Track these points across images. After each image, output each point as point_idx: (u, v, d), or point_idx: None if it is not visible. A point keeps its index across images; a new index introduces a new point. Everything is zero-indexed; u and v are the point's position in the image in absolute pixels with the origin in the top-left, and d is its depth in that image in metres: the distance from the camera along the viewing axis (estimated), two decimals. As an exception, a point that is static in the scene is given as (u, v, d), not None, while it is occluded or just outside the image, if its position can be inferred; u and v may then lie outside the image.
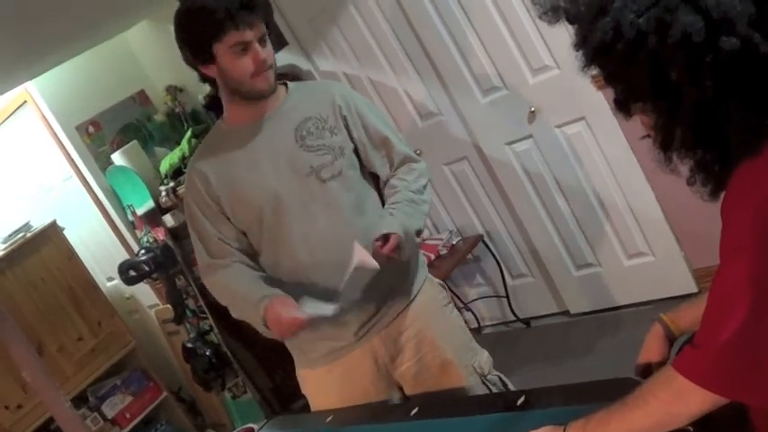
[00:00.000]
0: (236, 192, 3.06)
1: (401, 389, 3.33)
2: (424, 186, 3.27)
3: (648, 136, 1.82)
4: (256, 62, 2.94)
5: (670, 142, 1.71)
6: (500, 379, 3.35)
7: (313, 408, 3.39)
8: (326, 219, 3.09)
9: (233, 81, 2.99)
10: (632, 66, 1.63)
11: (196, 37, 2.94)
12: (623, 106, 1.75)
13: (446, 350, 3.26)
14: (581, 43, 1.75)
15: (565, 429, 2.06)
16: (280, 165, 3.06)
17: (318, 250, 3.08)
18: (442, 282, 3.52)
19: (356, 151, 3.22)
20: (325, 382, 3.28)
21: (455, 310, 3.48)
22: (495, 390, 3.29)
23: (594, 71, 1.75)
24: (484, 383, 3.29)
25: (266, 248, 3.15)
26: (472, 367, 3.30)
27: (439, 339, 3.25)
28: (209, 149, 3.15)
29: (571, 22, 1.79)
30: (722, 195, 1.72)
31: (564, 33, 4.63)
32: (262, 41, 2.97)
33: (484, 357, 3.38)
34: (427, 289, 3.36)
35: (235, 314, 3.20)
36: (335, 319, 3.04)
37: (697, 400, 1.72)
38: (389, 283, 3.20)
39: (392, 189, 3.24)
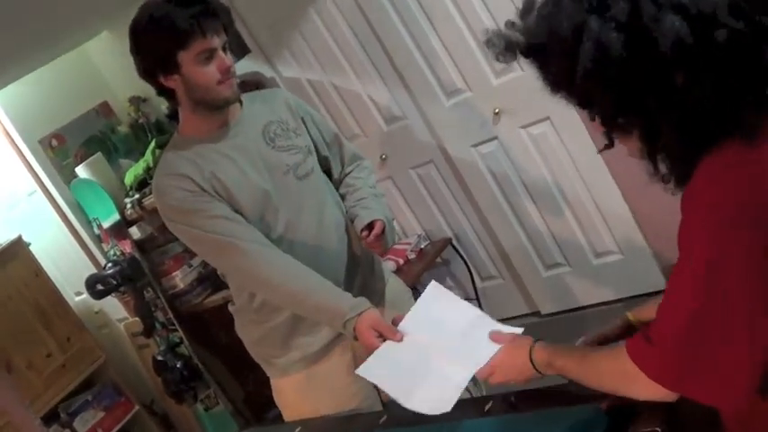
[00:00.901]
0: (225, 190, 2.99)
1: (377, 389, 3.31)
2: (374, 181, 3.39)
3: (609, 147, 1.81)
4: (222, 69, 2.91)
5: (658, 148, 1.71)
6: None
7: (289, 417, 3.36)
8: (309, 215, 3.12)
9: (198, 89, 2.94)
10: (627, 85, 1.62)
11: (160, 45, 2.87)
12: (614, 126, 1.73)
13: None
14: (562, 80, 1.72)
15: (531, 349, 2.21)
16: (258, 166, 3.04)
17: (305, 245, 3.09)
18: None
19: (318, 152, 3.28)
20: (302, 389, 3.27)
21: None
22: None
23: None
24: None
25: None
26: None
27: None
28: (178, 158, 3.03)
29: (527, 55, 1.77)
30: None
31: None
32: (224, 49, 2.94)
33: None
34: (393, 284, 3.45)
35: (295, 309, 3.09)
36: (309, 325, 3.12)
37: (643, 387, 1.79)
38: (362, 279, 3.26)
39: (350, 187, 3.31)
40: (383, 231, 3.08)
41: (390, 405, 3.26)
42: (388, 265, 5.33)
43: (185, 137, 3.09)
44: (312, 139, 3.25)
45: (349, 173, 3.37)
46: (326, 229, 3.15)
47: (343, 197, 3.31)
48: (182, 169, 2.98)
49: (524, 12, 1.79)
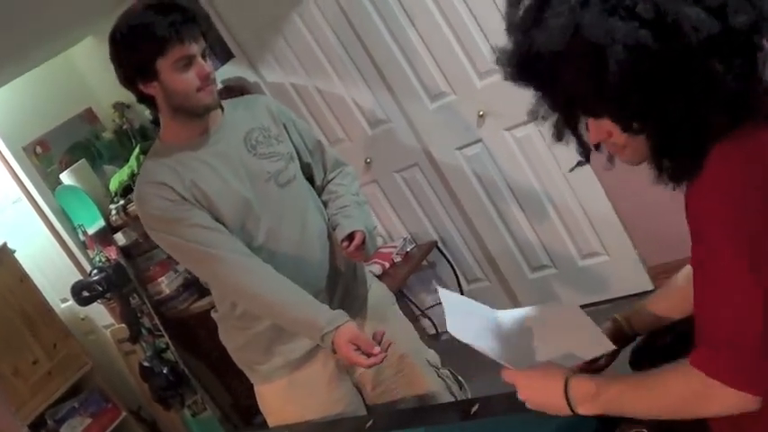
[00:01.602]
0: (206, 199, 2.98)
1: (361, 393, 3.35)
2: (359, 187, 3.39)
3: (595, 148, 1.80)
4: (201, 76, 2.90)
5: (669, 146, 1.71)
6: (450, 372, 3.42)
7: (273, 423, 3.36)
8: (291, 222, 3.11)
9: (178, 97, 2.93)
10: (663, 80, 1.61)
11: (138, 53, 2.86)
12: (631, 127, 1.72)
13: (400, 345, 3.29)
14: (565, 86, 1.71)
15: (567, 381, 1.98)
16: (240, 174, 3.04)
17: (287, 253, 3.09)
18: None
19: (300, 158, 3.27)
20: (285, 395, 3.26)
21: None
22: (449, 382, 3.36)
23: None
24: (439, 377, 3.36)
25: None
26: (426, 360, 3.37)
27: (393, 336, 3.27)
28: (159, 166, 3.03)
29: (536, 69, 1.74)
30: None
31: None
32: (203, 56, 2.93)
33: (432, 353, 3.45)
34: (376, 289, 3.44)
35: (276, 319, 3.07)
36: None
37: (723, 400, 1.69)
38: (344, 285, 3.25)
39: (333, 194, 3.31)
40: (363, 242, 3.09)
41: (374, 409, 3.27)
42: (375, 269, 5.34)
43: (166, 144, 3.09)
44: (294, 146, 3.24)
45: (332, 179, 3.36)
46: (309, 236, 3.15)
47: (325, 204, 3.31)
48: (162, 177, 2.98)
49: (510, 26, 1.78)
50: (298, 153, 3.25)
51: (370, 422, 2.82)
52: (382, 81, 5.34)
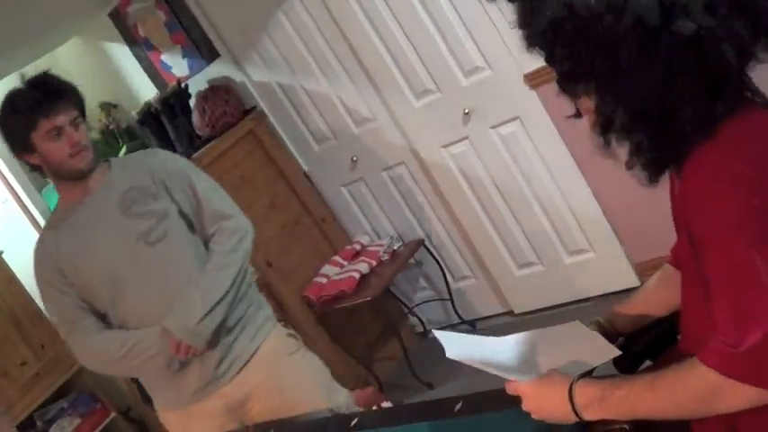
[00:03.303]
0: (76, 269, 3.25)
1: None
2: (239, 241, 3.39)
3: (577, 116, 1.82)
4: (71, 144, 3.19)
5: (610, 125, 1.71)
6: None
7: None
8: (164, 280, 3.27)
9: (54, 164, 3.23)
10: (582, 46, 1.64)
11: (14, 131, 3.21)
12: (568, 87, 1.74)
13: (293, 397, 3.42)
14: (526, 21, 1.73)
15: (572, 386, 1.95)
16: (110, 237, 3.26)
17: (161, 312, 3.23)
18: (292, 332, 3.66)
19: (184, 213, 3.38)
20: (185, 423, 3.46)
21: (308, 354, 3.60)
22: None
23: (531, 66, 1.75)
24: None
25: (112, 317, 3.32)
26: (328, 410, 3.41)
27: (285, 387, 3.42)
28: (51, 226, 3.40)
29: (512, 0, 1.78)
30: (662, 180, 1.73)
31: (495, 34, 4.60)
32: (74, 125, 3.20)
33: (342, 397, 3.52)
34: (271, 340, 3.49)
35: (128, 362, 3.26)
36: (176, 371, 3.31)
37: (736, 396, 1.68)
38: (234, 334, 3.37)
39: (210, 253, 3.38)
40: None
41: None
42: (362, 267, 5.33)
43: (64, 204, 3.40)
44: (176, 202, 3.36)
45: (211, 235, 3.42)
46: (185, 287, 3.28)
47: None
48: (47, 240, 3.36)
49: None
50: (180, 208, 3.36)
51: (355, 420, 2.83)
52: (368, 79, 5.34)
